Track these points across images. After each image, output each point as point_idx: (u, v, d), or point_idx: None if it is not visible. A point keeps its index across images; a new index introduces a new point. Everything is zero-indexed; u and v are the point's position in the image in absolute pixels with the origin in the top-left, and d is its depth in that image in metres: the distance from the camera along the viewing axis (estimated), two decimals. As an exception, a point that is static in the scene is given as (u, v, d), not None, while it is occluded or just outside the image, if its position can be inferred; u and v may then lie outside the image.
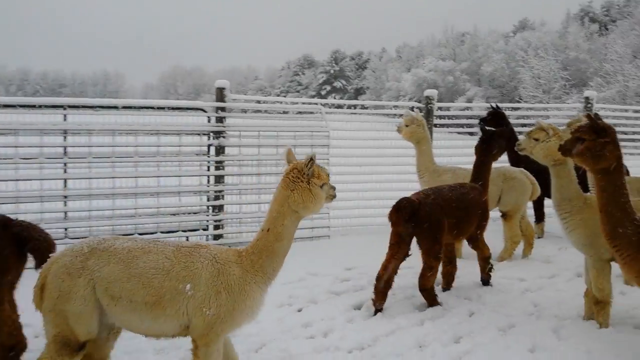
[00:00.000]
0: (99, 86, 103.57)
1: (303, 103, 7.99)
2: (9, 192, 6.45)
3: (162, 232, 7.13)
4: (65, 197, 6.72)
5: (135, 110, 6.92)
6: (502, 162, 7.73)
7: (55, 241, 6.45)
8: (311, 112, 7.82)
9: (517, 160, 7.30)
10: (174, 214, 7.23)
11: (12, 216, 6.17)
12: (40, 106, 6.48)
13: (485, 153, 5.76)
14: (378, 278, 4.91)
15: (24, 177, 6.46)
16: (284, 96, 55.75)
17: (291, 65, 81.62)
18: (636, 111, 11.79)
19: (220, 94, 7.26)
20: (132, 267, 3.04)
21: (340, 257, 6.74)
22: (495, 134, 5.82)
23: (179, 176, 7.15)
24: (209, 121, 7.25)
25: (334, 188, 3.38)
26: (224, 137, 7.26)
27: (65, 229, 6.78)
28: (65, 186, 6.76)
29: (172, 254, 3.11)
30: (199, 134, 7.21)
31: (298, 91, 74.14)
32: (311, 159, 3.19)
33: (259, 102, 7.63)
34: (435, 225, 4.94)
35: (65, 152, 6.65)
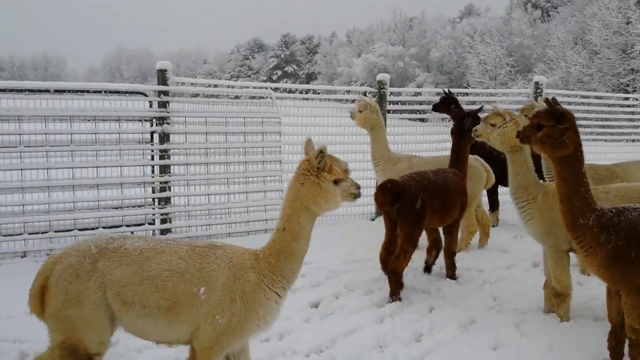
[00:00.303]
0: (39, 70, 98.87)
1: (253, 87, 7.57)
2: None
3: (104, 227, 6.64)
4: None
5: (71, 94, 6.35)
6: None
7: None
8: (261, 97, 7.44)
9: (471, 147, 7.19)
10: (116, 208, 6.74)
11: None
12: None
13: (462, 136, 5.62)
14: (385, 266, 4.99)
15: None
16: (235, 81, 54.60)
17: (241, 49, 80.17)
18: (583, 97, 12.00)
19: (162, 77, 6.77)
20: (145, 269, 2.80)
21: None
22: (471, 115, 5.66)
23: (120, 166, 6.64)
24: (150, 106, 6.76)
25: (356, 186, 3.10)
26: (167, 123, 6.80)
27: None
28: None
29: (186, 254, 2.86)
30: (140, 120, 6.71)
31: (249, 76, 72.94)
32: (321, 151, 2.92)
33: (206, 86, 7.17)
34: (419, 208, 4.82)
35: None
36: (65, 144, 6.32)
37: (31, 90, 6.15)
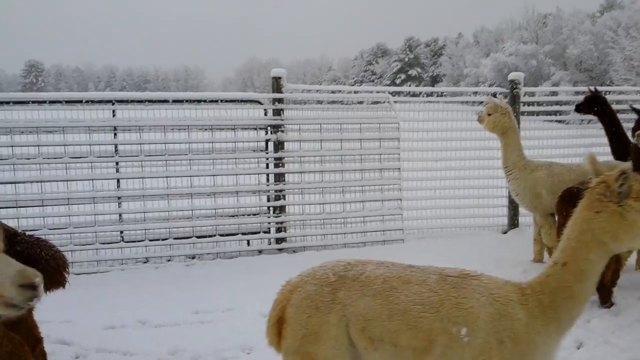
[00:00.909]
0: (180, 81, 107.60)
1: (369, 92, 7.17)
2: (60, 192, 6.14)
3: (220, 235, 6.62)
4: (119, 198, 6.35)
5: (189, 104, 6.41)
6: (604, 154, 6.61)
7: (110, 245, 6.22)
8: (378, 102, 7.00)
9: (622, 153, 6.11)
10: (232, 216, 6.68)
11: (57, 219, 5.91)
12: (87, 101, 6.10)
13: None
14: None
15: (73, 178, 6.13)
16: (359, 86, 54.82)
17: (364, 55, 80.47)
18: None
19: (276, 84, 6.61)
20: (393, 302, 2.41)
21: (415, 263, 5.92)
22: None
23: (236, 174, 6.58)
24: (265, 114, 6.63)
25: None
26: (282, 131, 6.62)
27: (121, 232, 6.42)
28: (118, 186, 6.38)
29: (436, 285, 2.44)
30: (255, 128, 6.60)
31: (372, 81, 72.94)
32: (623, 173, 2.33)
33: (318, 91, 6.90)
34: None
35: (116, 150, 6.26)
36: (184, 152, 6.38)
37: (151, 101, 6.29)
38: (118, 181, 6.37)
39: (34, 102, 5.95)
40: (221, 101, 6.45)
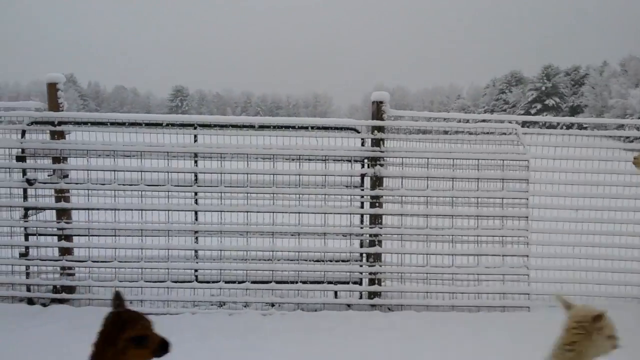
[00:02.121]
0: (309, 108, 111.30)
1: (490, 121, 5.84)
2: (134, 222, 5.63)
3: (302, 282, 5.71)
4: (196, 232, 5.70)
5: (276, 130, 5.61)
6: None
7: (183, 284, 5.56)
8: (503, 134, 5.67)
9: None
10: (318, 261, 5.74)
11: (129, 251, 5.33)
12: (167, 125, 5.55)
13: None
14: None
15: (149, 207, 5.59)
16: (478, 114, 51.43)
17: (497, 83, 76.75)
18: None
19: (377, 110, 5.60)
20: None
21: (543, 339, 4.52)
22: None
23: (325, 213, 5.63)
24: (362, 144, 5.63)
25: None
26: (381, 164, 5.58)
27: (195, 271, 5.75)
28: (195, 219, 5.73)
29: None
30: (349, 160, 5.62)
31: (504, 110, 69.16)
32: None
33: (429, 119, 5.74)
34: None
35: (195, 179, 5.64)
36: (267, 185, 5.59)
37: (235, 126, 5.59)
38: (195, 213, 5.73)
39: (112, 123, 5.52)
40: (312, 128, 5.57)
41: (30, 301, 5.72)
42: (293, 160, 5.56)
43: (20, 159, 5.54)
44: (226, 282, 5.71)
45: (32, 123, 5.50)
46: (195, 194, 5.65)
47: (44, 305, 5.67)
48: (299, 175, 5.55)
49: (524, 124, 5.92)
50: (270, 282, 5.70)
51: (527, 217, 5.71)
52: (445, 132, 5.67)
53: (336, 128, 5.58)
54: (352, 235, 5.70)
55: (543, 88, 65.91)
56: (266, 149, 5.52)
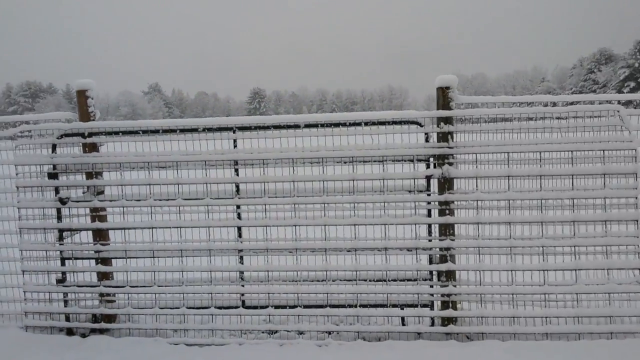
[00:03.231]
0: (385, 101, 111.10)
1: (580, 102, 4.73)
2: (173, 242, 5.05)
3: (362, 306, 4.88)
4: (240, 251, 5.03)
5: (323, 128, 4.86)
6: None
7: (229, 310, 4.89)
8: (598, 117, 4.59)
9: None
10: (379, 281, 4.89)
11: (169, 274, 4.76)
12: (204, 130, 4.95)
13: None
14: None
15: (188, 224, 4.98)
16: (566, 95, 47.79)
17: (584, 62, 72.24)
18: None
19: (443, 98, 4.72)
20: None
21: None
22: None
23: (385, 224, 4.79)
24: (427, 140, 4.77)
25: None
26: (450, 163, 4.69)
27: (242, 295, 5.07)
28: (239, 236, 5.08)
29: None
30: (411, 160, 4.76)
31: (594, 91, 64.77)
32: None
33: (509, 105, 4.75)
34: None
35: (237, 190, 4.99)
36: (317, 193, 4.84)
37: (277, 127, 4.89)
38: (239, 229, 5.07)
39: (144, 132, 5.00)
40: (365, 124, 4.78)
41: (70, 331, 5.26)
42: (345, 163, 4.79)
43: (52, 175, 5.13)
44: (275, 307, 5.00)
45: (62, 136, 5.09)
46: (238, 207, 5.00)
47: (84, 335, 5.19)
48: (353, 180, 4.75)
49: (629, 103, 4.83)
50: (325, 306, 4.92)
51: (637, 220, 4.60)
52: (530, 120, 4.67)
53: (394, 122, 4.75)
54: (419, 250, 4.81)
55: (637, 65, 60.90)
56: (314, 151, 4.78)
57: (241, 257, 5.07)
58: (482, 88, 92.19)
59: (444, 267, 4.75)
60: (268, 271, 4.99)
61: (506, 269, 4.70)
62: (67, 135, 5.09)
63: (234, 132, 4.93)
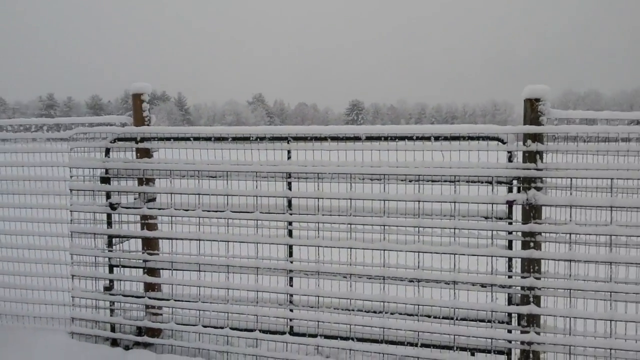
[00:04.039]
0: (487, 116, 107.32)
1: None
2: (220, 257, 4.68)
3: (424, 346, 4.23)
4: (290, 271, 4.56)
5: (387, 142, 4.27)
6: None
7: (274, 335, 4.43)
8: None
9: None
10: (444, 318, 4.21)
11: (215, 290, 4.38)
12: (257, 139, 4.52)
13: None
14: None
15: (236, 238, 4.58)
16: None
17: None
18: None
19: (531, 111, 3.95)
20: None
21: None
22: None
23: (454, 254, 4.10)
24: (510, 159, 4.02)
25: None
26: (538, 188, 3.91)
27: (290, 320, 4.60)
28: (290, 255, 4.60)
29: None
30: (489, 182, 4.04)
31: None
32: None
33: (605, 122, 3.89)
34: None
35: (289, 205, 4.52)
36: (376, 213, 4.25)
37: (335, 138, 4.35)
38: (290, 248, 4.60)
39: (195, 139, 4.66)
40: (435, 138, 4.12)
41: (114, 342, 5.05)
42: (411, 181, 4.16)
43: (104, 180, 4.94)
44: (325, 337, 4.47)
45: (115, 140, 4.88)
46: (289, 223, 4.53)
47: (127, 347, 4.95)
48: (419, 201, 4.11)
49: None
50: (381, 341, 4.31)
51: None
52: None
53: (471, 138, 4.05)
54: (495, 287, 4.07)
55: None
56: (375, 166, 4.20)
57: (290, 279, 4.59)
58: (595, 106, 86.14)
59: (525, 309, 3.98)
60: (319, 296, 4.46)
61: (604, 319, 3.85)
62: (120, 139, 4.87)
63: (288, 142, 4.46)
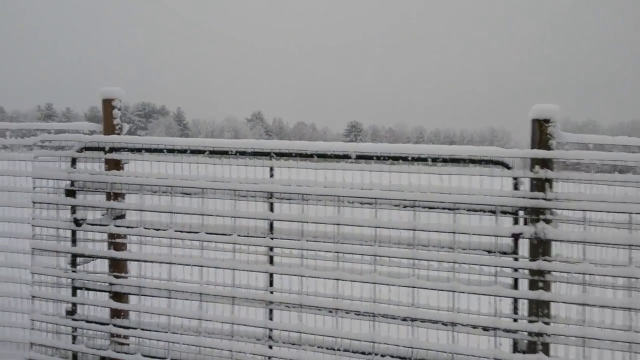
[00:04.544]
0: (485, 143, 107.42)
1: None
2: (194, 282, 4.21)
3: (416, 392, 3.74)
4: (270, 303, 4.08)
5: (379, 162, 3.83)
6: None
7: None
8: None
9: None
10: (445, 363, 3.73)
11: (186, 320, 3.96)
12: (236, 153, 4.08)
13: None
14: None
15: (211, 263, 4.13)
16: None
17: None
18: None
19: (540, 134, 3.52)
20: None
21: None
22: None
23: (453, 292, 3.64)
24: (515, 187, 3.59)
25: None
26: (547, 220, 3.47)
27: (269, 358, 4.11)
28: (270, 285, 4.14)
29: None
30: (493, 212, 3.60)
31: None
32: None
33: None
34: None
35: (271, 229, 4.07)
36: (367, 241, 3.80)
37: (322, 155, 3.91)
38: (270, 276, 4.14)
39: (169, 151, 4.22)
40: (433, 160, 3.68)
41: (75, 371, 4.56)
42: (405, 207, 3.72)
43: (70, 193, 4.49)
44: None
45: (82, 149, 4.44)
46: (270, 249, 4.07)
47: (88, 379, 4.47)
48: (414, 230, 3.67)
49: None
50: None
51: None
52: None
53: (472, 161, 3.61)
54: (499, 331, 3.61)
55: None
56: (366, 189, 3.76)
57: (270, 311, 4.12)
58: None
59: (533, 358, 3.51)
60: (301, 333, 3.99)
61: (620, 372, 3.39)
62: (87, 148, 4.43)
63: (270, 158, 4.02)
